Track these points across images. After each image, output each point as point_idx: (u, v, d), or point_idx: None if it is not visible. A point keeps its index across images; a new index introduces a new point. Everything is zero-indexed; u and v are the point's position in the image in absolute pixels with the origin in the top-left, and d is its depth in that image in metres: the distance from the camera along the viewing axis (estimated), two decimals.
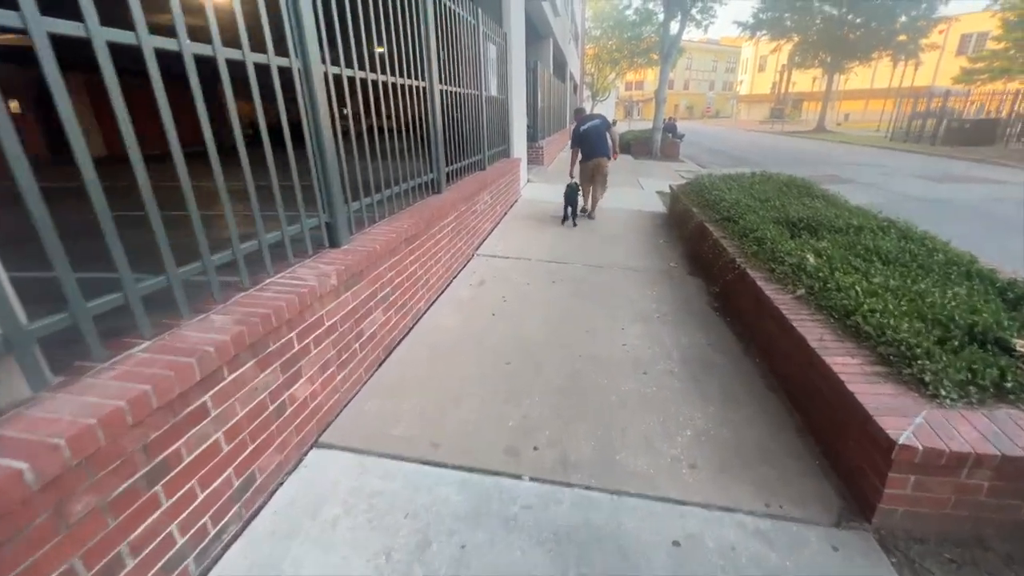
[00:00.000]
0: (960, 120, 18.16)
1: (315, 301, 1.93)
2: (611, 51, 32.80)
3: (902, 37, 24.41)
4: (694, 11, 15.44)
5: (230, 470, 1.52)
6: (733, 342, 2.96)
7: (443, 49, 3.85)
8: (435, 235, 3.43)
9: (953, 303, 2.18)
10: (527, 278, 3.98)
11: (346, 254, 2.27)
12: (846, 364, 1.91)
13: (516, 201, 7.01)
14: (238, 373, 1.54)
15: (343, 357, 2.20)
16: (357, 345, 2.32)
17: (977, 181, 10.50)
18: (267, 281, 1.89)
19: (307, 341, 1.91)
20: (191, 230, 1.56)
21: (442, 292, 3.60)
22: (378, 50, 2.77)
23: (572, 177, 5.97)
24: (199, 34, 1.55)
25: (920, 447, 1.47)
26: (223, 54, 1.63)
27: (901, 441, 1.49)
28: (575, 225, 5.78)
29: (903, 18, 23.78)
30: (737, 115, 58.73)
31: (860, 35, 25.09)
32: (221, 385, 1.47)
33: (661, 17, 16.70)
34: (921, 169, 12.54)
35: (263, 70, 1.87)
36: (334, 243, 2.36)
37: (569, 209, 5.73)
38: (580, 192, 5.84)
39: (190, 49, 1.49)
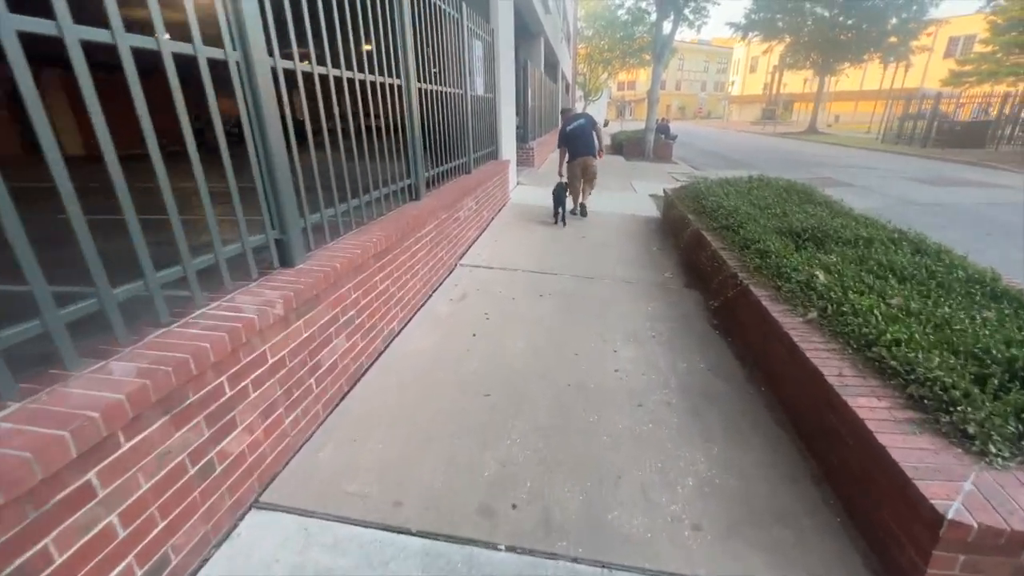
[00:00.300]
0: (951, 122, 18.17)
1: (254, 336, 1.63)
2: (603, 51, 32.66)
3: (893, 39, 24.44)
4: (687, 11, 15.26)
5: (130, 558, 1.23)
6: (735, 366, 2.71)
7: (422, 44, 3.56)
8: (411, 247, 3.14)
9: (986, 331, 1.94)
10: (512, 291, 3.70)
11: (299, 275, 1.98)
12: (872, 408, 1.65)
13: (505, 205, 6.73)
14: (141, 437, 1.24)
15: (294, 396, 1.90)
16: (312, 380, 2.03)
17: (971, 184, 10.40)
18: (196, 313, 1.59)
19: (244, 384, 1.62)
20: (86, 251, 1.26)
21: (419, 308, 3.31)
22: (345, 44, 2.48)
23: (561, 176, 5.95)
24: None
25: (974, 525, 1.22)
26: (127, 41, 1.33)
27: (950, 516, 1.23)
28: (564, 224, 5.69)
29: (894, 20, 23.79)
30: (729, 116, 58.87)
31: (851, 36, 25.09)
32: (115, 455, 1.17)
33: (653, 17, 16.50)
34: (915, 172, 12.44)
35: (193, 62, 1.58)
36: (286, 262, 2.06)
37: (560, 209, 5.72)
38: (568, 191, 5.85)
39: (76, 34, 1.19)
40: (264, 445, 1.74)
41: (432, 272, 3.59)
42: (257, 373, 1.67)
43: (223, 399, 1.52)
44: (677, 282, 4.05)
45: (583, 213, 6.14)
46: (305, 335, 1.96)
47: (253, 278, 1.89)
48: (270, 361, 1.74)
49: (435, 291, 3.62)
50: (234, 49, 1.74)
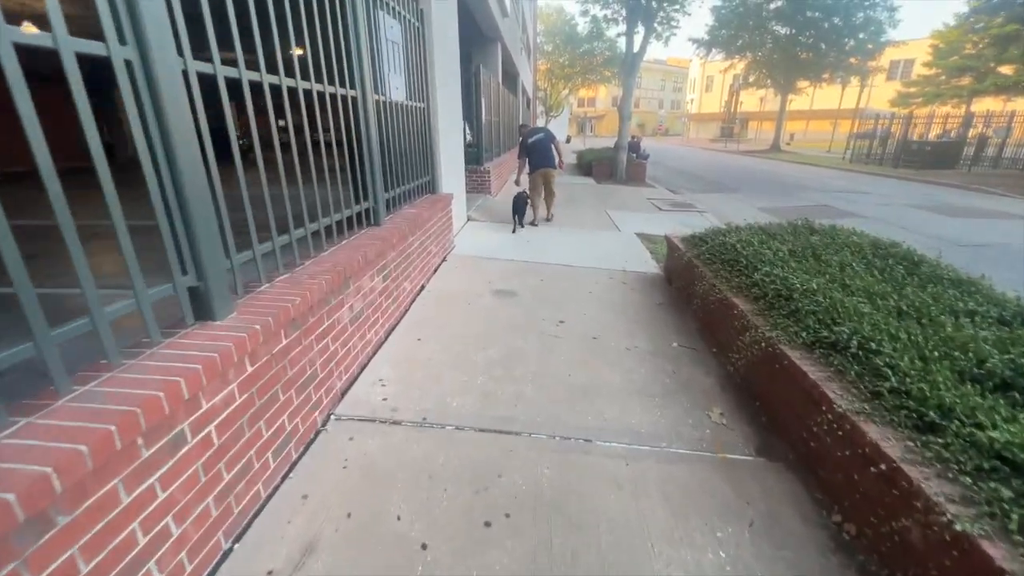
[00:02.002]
0: (920, 143, 17.80)
1: None
2: (563, 67, 31.78)
3: (853, 60, 24.57)
4: (655, 23, 14.04)
5: None
6: None
7: None
8: (161, 458, 1.12)
9: None
10: (429, 510, 1.71)
11: None
12: None
13: (446, 258, 4.78)
14: None
15: None
16: None
17: (993, 216, 8.97)
18: None
19: None
20: None
21: None
22: None
23: (518, 184, 6.55)
24: None
25: None
26: None
27: None
28: (523, 227, 6.11)
29: (851, 42, 23.89)
30: (687, 133, 59.59)
31: (809, 56, 25.08)
32: None
33: (621, 28, 15.25)
34: (910, 197, 11.39)
35: None
36: None
37: (517, 217, 6.06)
38: (528, 202, 6.17)
39: None
40: None
41: (246, 476, 1.56)
42: None
43: None
44: (738, 434, 2.22)
45: (547, 218, 6.69)
46: None
47: None
48: None
49: (248, 529, 1.58)
50: None
